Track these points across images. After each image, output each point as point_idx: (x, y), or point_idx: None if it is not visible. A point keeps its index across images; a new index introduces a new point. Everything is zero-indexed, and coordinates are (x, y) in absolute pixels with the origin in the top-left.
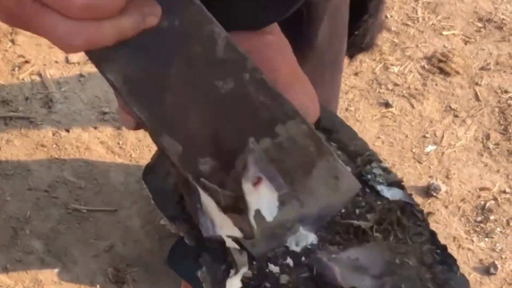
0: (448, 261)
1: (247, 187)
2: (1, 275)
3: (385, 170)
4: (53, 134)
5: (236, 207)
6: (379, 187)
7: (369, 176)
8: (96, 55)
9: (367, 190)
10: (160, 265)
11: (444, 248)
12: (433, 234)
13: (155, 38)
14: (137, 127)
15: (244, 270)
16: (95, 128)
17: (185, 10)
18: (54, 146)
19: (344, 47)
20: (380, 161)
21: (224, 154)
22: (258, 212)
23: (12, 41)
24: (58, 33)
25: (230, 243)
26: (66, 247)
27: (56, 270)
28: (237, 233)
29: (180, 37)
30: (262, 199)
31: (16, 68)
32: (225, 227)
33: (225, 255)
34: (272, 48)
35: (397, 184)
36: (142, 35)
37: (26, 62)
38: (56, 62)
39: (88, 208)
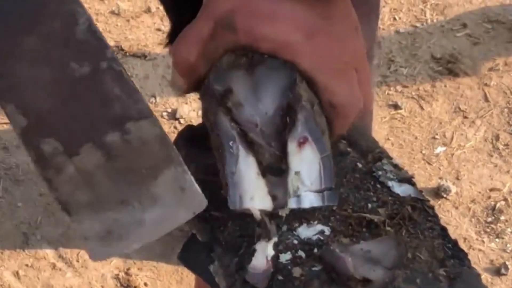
0: (460, 255)
1: (291, 146)
2: (13, 280)
3: (396, 166)
4: None
5: (277, 168)
6: (390, 183)
7: (380, 173)
8: None
9: (378, 186)
10: (171, 269)
11: (455, 242)
12: (443, 229)
13: (14, 5)
14: (186, 90)
15: (275, 239)
16: None
17: None
18: None
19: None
20: (390, 158)
21: (69, 139)
22: (297, 175)
23: None
24: None
25: (257, 215)
26: (77, 252)
27: (67, 275)
28: (267, 204)
29: (40, 9)
30: (304, 161)
31: None
32: (256, 198)
33: (238, 248)
34: (333, 32)
35: (408, 180)
36: (1, 1)
37: None
38: None
39: None
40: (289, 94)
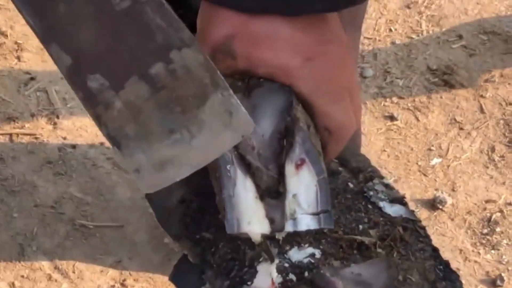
0: (451, 277)
1: (289, 168)
2: None
3: (387, 186)
4: (59, 150)
5: (274, 191)
6: (381, 204)
7: (371, 193)
8: None
9: (370, 206)
10: (167, 281)
11: (447, 264)
12: (435, 250)
13: None
14: None
15: (277, 261)
16: (101, 144)
17: None
18: (60, 162)
19: (365, 6)
20: (382, 177)
21: (114, 73)
22: (295, 198)
23: (18, 58)
24: None
25: (258, 238)
26: (73, 263)
27: (63, 286)
28: (265, 228)
29: None
30: (301, 183)
31: (22, 85)
32: (253, 221)
33: (229, 272)
34: (330, 57)
35: (399, 200)
36: None
37: (32, 78)
38: (62, 78)
39: (94, 224)
40: (286, 116)
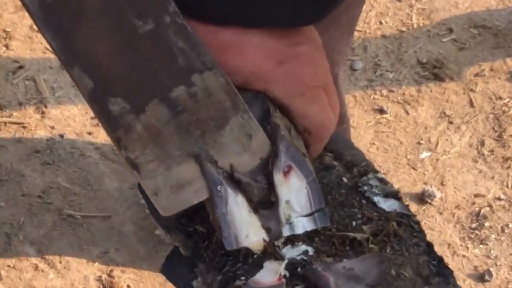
0: (445, 273)
1: (277, 177)
2: None
3: (382, 181)
4: (47, 140)
5: (267, 201)
6: (375, 198)
7: (365, 188)
8: None
9: (363, 201)
10: (155, 272)
11: (440, 259)
12: (429, 245)
13: None
14: None
15: (286, 260)
16: (90, 134)
17: None
18: (48, 151)
19: (359, 11)
20: (376, 172)
21: (136, 97)
22: (288, 204)
23: (6, 46)
24: None
25: (261, 246)
26: (59, 253)
27: (49, 276)
28: (263, 237)
29: None
30: (292, 189)
31: (10, 73)
32: (250, 234)
33: (222, 266)
34: (303, 58)
35: (394, 195)
36: None
37: (20, 67)
38: (50, 67)
39: (82, 214)
40: (266, 125)
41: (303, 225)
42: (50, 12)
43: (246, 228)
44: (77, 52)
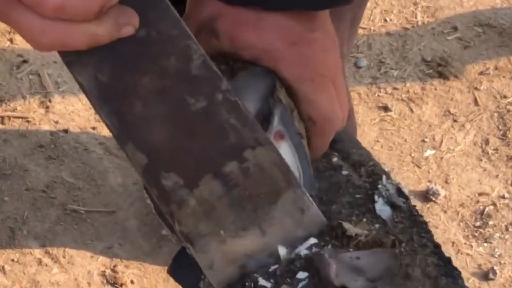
0: (453, 274)
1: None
2: None
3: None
4: (51, 135)
5: None
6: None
7: (379, 186)
8: (68, 56)
9: (370, 202)
10: (158, 267)
11: (449, 260)
12: (437, 246)
13: (130, 46)
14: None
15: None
16: (94, 128)
17: (162, 22)
18: (52, 146)
19: (364, 5)
20: (388, 176)
21: (189, 172)
22: None
23: (11, 40)
24: (28, 29)
25: None
26: (63, 248)
27: (53, 271)
28: None
29: (156, 48)
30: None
31: (14, 68)
32: None
33: None
34: (316, 45)
35: (403, 195)
36: (117, 42)
37: (25, 61)
38: (55, 62)
39: (86, 209)
40: (269, 99)
41: None
42: (105, 90)
43: None
44: (130, 128)
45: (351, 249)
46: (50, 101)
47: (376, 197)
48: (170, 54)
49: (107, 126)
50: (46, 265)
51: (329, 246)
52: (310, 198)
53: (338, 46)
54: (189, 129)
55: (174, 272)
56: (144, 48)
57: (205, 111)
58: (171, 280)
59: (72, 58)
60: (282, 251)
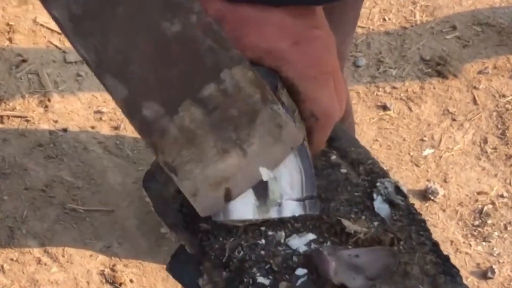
0: (451, 272)
1: None
2: None
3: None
4: (50, 134)
5: None
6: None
7: (378, 184)
8: None
9: (368, 200)
10: (157, 266)
11: (447, 258)
12: (435, 245)
13: None
14: None
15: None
16: (93, 128)
17: None
18: (51, 145)
19: (361, 7)
20: (387, 176)
21: (168, 99)
22: (279, 181)
23: (10, 40)
24: None
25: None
26: (62, 247)
27: (52, 270)
28: (252, 214)
29: None
30: (286, 166)
31: (14, 67)
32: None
33: (227, 263)
34: (318, 42)
35: (402, 193)
36: None
37: (24, 61)
38: (54, 61)
39: (85, 208)
40: None
41: (291, 209)
42: (79, 23)
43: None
44: (109, 61)
45: (349, 246)
46: (49, 100)
47: (374, 195)
48: None
49: (85, 60)
50: (45, 264)
51: (328, 243)
52: (287, 114)
53: (335, 45)
54: (166, 56)
55: (173, 269)
56: None
57: (181, 35)
58: (170, 279)
59: None
60: (264, 172)
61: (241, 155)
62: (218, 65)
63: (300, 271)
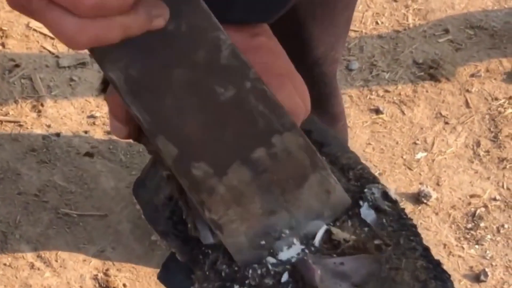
0: (443, 277)
1: None
2: None
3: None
4: (43, 138)
5: None
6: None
7: (365, 190)
8: (99, 52)
9: (361, 203)
10: (150, 271)
11: (438, 263)
12: (426, 249)
13: (161, 40)
14: (128, 136)
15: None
16: (86, 132)
17: (192, 14)
18: (45, 150)
19: (353, 12)
20: (377, 182)
21: (218, 160)
22: None
23: (3, 45)
24: (64, 30)
25: None
26: (56, 252)
27: (46, 275)
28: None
29: (185, 41)
30: None
31: (7, 72)
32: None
33: (220, 272)
34: (263, 49)
35: (390, 199)
36: (148, 36)
37: (17, 65)
38: (47, 66)
39: (78, 213)
40: None
41: None
42: (136, 87)
43: None
44: (162, 123)
45: (334, 255)
46: (42, 105)
47: (361, 202)
48: (199, 46)
49: (138, 120)
50: (39, 269)
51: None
52: (336, 179)
53: (281, 46)
54: (218, 119)
55: (164, 278)
56: (174, 41)
57: (234, 100)
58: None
59: (103, 55)
60: (319, 230)
61: (287, 217)
62: (269, 130)
63: (285, 278)
